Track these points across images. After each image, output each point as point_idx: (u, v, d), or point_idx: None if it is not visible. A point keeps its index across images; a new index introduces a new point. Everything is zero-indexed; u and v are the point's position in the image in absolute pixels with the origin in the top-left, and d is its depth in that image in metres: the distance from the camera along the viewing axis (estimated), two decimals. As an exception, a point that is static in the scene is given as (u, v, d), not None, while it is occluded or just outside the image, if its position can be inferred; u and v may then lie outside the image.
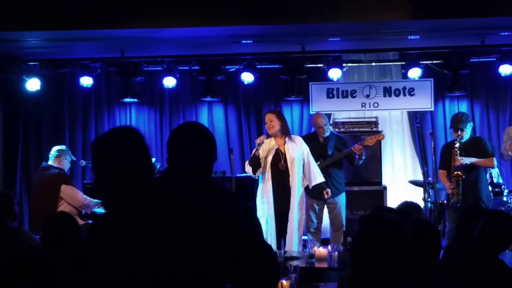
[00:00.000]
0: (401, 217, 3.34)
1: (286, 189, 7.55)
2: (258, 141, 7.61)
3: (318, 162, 8.09)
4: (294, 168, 7.56)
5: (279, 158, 7.57)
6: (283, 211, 7.53)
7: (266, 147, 7.58)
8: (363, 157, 8.22)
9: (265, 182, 7.56)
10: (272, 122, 7.61)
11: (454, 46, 8.87)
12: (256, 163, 7.57)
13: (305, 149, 7.70)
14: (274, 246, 7.06)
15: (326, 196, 7.88)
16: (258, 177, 7.71)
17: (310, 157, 7.72)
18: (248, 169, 7.65)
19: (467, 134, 7.78)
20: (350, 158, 8.29)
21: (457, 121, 7.80)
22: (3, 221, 5.38)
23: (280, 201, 7.52)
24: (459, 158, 7.62)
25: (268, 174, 7.55)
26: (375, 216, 3.29)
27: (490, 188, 8.24)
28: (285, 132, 7.69)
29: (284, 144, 7.60)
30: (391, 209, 5.17)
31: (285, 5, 7.47)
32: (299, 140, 7.77)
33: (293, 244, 7.39)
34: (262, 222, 7.42)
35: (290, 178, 7.55)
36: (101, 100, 10.44)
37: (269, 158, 7.58)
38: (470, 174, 7.70)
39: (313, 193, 8.02)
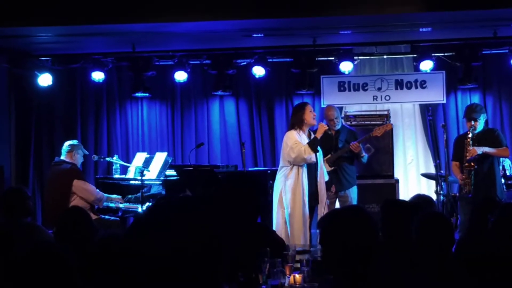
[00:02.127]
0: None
1: (316, 183, 7.60)
2: (326, 126, 7.70)
3: (329, 155, 8.09)
4: (321, 162, 7.62)
5: None
6: (311, 205, 7.58)
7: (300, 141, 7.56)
8: (363, 155, 8.18)
9: (298, 177, 7.49)
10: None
11: (466, 38, 8.83)
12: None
13: None
14: (307, 241, 7.24)
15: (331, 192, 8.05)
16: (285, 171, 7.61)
17: None
18: (310, 156, 7.43)
19: (480, 125, 7.73)
20: (355, 153, 8.24)
21: (471, 111, 7.77)
22: (16, 215, 5.40)
23: (311, 195, 7.57)
24: (471, 148, 7.59)
25: (303, 169, 7.53)
26: (325, 218, 3.25)
27: (503, 180, 8.20)
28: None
29: (310, 138, 7.65)
30: (403, 202, 5.16)
31: (296, -2, 7.47)
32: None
33: None
34: (295, 215, 7.45)
35: (319, 172, 7.59)
36: (113, 94, 10.46)
37: None
38: (483, 166, 7.66)
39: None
